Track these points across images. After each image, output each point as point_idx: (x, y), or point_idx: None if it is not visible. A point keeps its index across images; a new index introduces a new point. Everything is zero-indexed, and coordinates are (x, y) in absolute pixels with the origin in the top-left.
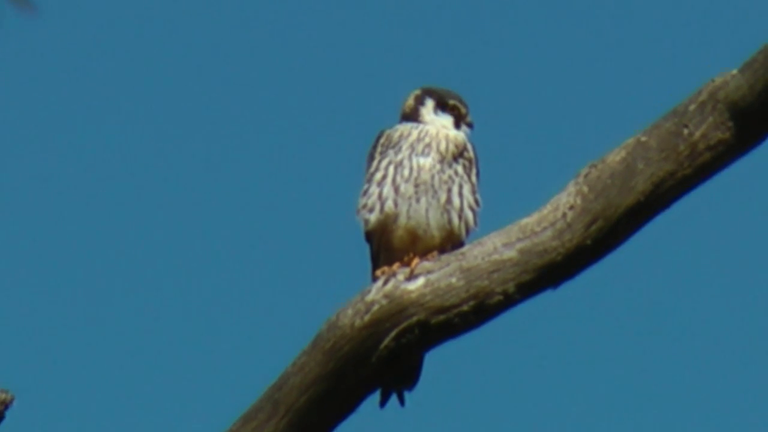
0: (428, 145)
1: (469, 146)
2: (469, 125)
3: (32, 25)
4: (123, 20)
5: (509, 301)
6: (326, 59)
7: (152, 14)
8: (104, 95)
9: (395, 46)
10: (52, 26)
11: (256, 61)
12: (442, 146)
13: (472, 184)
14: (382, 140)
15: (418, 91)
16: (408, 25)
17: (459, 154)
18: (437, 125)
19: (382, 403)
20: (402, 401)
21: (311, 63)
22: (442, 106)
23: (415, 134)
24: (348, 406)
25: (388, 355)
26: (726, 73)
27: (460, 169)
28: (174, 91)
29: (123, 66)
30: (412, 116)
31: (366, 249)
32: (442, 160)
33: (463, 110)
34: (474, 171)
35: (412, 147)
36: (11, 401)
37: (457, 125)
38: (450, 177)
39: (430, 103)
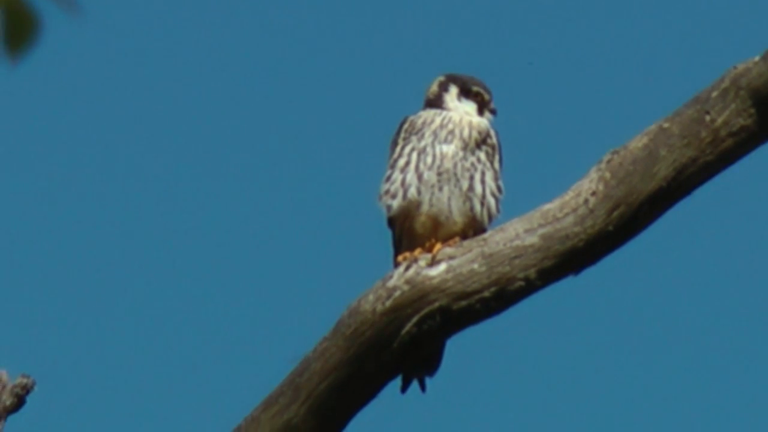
0: (451, 132)
1: (492, 133)
2: (493, 112)
3: (78, 26)
4: (164, 22)
5: (531, 287)
6: (358, 45)
7: (191, 17)
8: (142, 95)
9: (422, 34)
10: (96, 28)
11: (282, 47)
12: (465, 133)
13: (495, 171)
14: (405, 126)
15: (442, 78)
16: (434, 12)
17: (482, 141)
18: (460, 112)
19: (404, 388)
20: (423, 387)
21: (341, 49)
22: (465, 92)
23: (438, 121)
24: (369, 391)
25: (409, 341)
26: (748, 60)
27: (482, 155)
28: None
29: (161, 66)
30: (435, 102)
31: (388, 235)
32: (465, 147)
33: (486, 97)
34: (497, 158)
35: (435, 134)
36: (32, 386)
37: (481, 112)
38: (473, 164)
39: (453, 90)
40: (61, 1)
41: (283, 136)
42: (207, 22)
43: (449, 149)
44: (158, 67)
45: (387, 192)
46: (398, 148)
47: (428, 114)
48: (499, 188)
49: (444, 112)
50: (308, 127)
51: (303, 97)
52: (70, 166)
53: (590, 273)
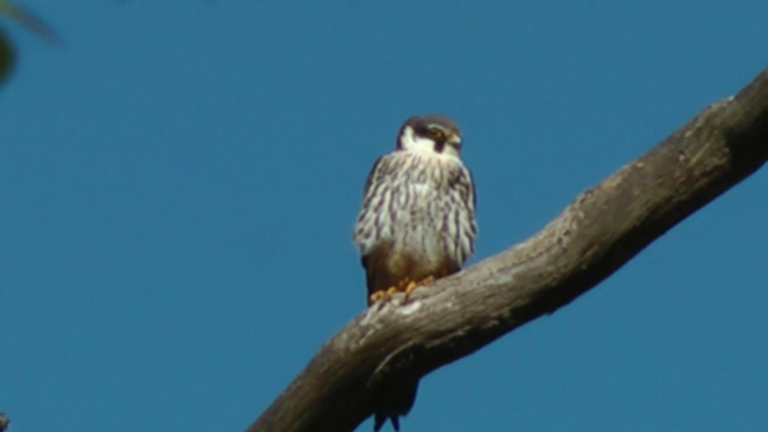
0: (423, 172)
1: (465, 172)
2: (455, 146)
3: (54, 55)
4: (142, 51)
5: (504, 326)
6: (332, 84)
7: (169, 45)
8: (122, 120)
9: (400, 69)
10: (74, 56)
11: (252, 83)
12: (437, 173)
13: (469, 210)
14: (379, 165)
15: (403, 123)
16: (414, 48)
17: (455, 180)
18: (417, 151)
19: (377, 427)
20: (396, 426)
21: (316, 86)
22: (420, 131)
23: (408, 162)
24: (342, 430)
25: (382, 380)
26: (723, 100)
27: (456, 195)
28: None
29: (141, 96)
30: (399, 146)
31: (362, 274)
32: (438, 187)
33: (446, 131)
34: (471, 197)
35: (408, 174)
36: (7, 424)
37: (439, 148)
38: (447, 204)
39: (408, 131)
40: (38, 29)
41: (261, 170)
42: (188, 48)
43: (423, 188)
44: (138, 93)
45: (360, 231)
46: (372, 188)
47: (399, 155)
48: (473, 227)
49: (413, 153)
50: (285, 167)
51: (277, 132)
52: (50, 197)
53: (564, 312)
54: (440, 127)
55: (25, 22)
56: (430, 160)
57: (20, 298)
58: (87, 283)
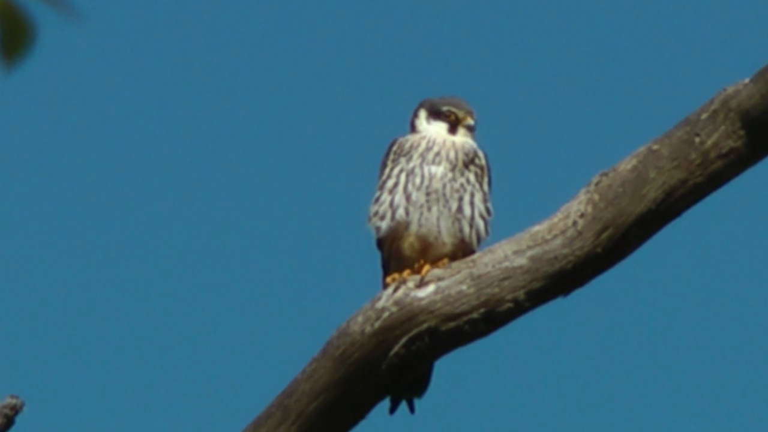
0: (438, 154)
1: (480, 154)
2: (469, 128)
3: (75, 31)
4: (162, 27)
5: (519, 308)
6: (348, 67)
7: (190, 20)
8: (142, 101)
9: (415, 53)
10: (94, 32)
11: (276, 69)
12: (451, 155)
13: (484, 193)
14: (394, 148)
15: (417, 105)
16: (429, 32)
17: (470, 161)
18: (432, 133)
19: (392, 410)
20: (412, 408)
21: (332, 70)
22: (434, 113)
23: (423, 144)
24: (358, 413)
25: (398, 363)
26: (738, 83)
27: (472, 177)
28: (212, 99)
29: (160, 72)
30: (413, 129)
31: (377, 256)
32: (453, 168)
33: (460, 114)
34: (486, 179)
35: (423, 156)
36: (21, 407)
37: (453, 130)
38: (462, 185)
39: (422, 113)
40: (58, 5)
41: (274, 153)
42: (205, 24)
43: (438, 170)
44: (156, 69)
45: (376, 213)
46: (387, 170)
47: (414, 137)
48: (488, 210)
49: (427, 135)
50: (302, 150)
51: (292, 120)
52: (68, 173)
53: (580, 294)
54: (454, 110)
55: None
56: (444, 142)
57: (35, 283)
58: (107, 260)
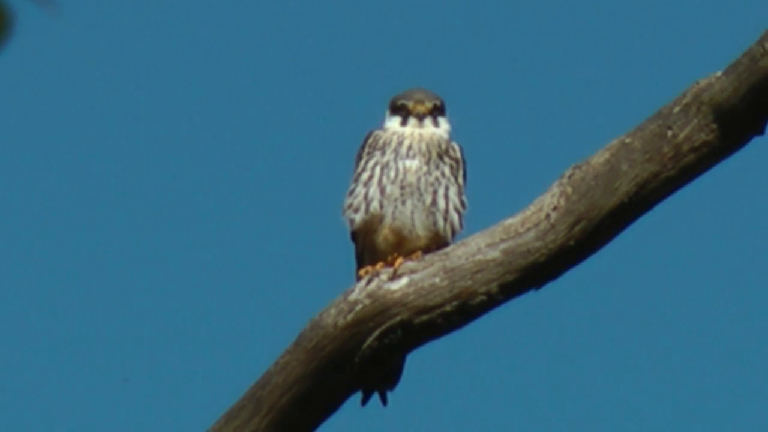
0: (410, 147)
1: (455, 147)
2: (418, 116)
3: (54, 24)
4: (141, 20)
5: (492, 301)
6: (318, 58)
7: (170, 15)
8: (120, 95)
9: (387, 44)
10: (73, 25)
11: (249, 60)
12: (423, 147)
13: (459, 186)
14: (369, 141)
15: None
16: (399, 26)
17: (444, 152)
18: (394, 128)
19: (364, 401)
20: (384, 401)
21: (305, 62)
22: (393, 108)
23: (395, 139)
24: (330, 405)
25: (371, 355)
26: (711, 76)
27: (447, 170)
28: (187, 92)
29: (139, 65)
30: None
31: (351, 248)
32: (428, 161)
33: (409, 104)
34: (461, 172)
35: (396, 151)
36: None
37: (404, 123)
38: (437, 179)
39: (387, 111)
40: None
41: (250, 144)
42: (187, 15)
43: (413, 164)
44: (136, 61)
45: (350, 206)
46: (362, 162)
47: (386, 134)
48: (462, 203)
49: (396, 131)
50: (274, 136)
51: (266, 110)
52: (44, 166)
53: (552, 287)
54: (405, 101)
55: None
56: (412, 135)
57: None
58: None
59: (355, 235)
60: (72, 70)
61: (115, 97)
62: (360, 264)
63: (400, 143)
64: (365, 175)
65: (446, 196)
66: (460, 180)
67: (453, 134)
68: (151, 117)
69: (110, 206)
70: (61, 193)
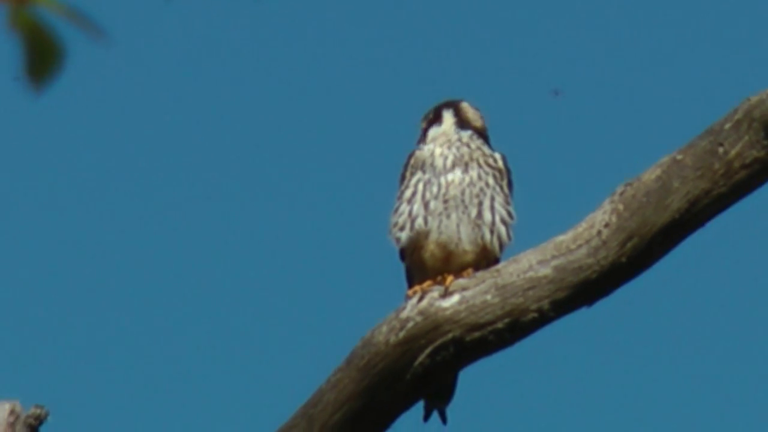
0: (447, 158)
1: (497, 156)
2: (426, 123)
3: (103, 52)
4: (189, 50)
5: (544, 318)
6: (377, 84)
7: (217, 45)
8: (170, 123)
9: (441, 61)
10: (122, 54)
11: (297, 76)
12: (454, 153)
13: (505, 195)
14: (411, 162)
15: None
16: (454, 39)
17: (472, 144)
18: (428, 143)
19: (425, 418)
20: (444, 419)
21: (356, 88)
22: (425, 123)
23: (428, 155)
24: (382, 423)
25: (422, 372)
26: (762, 92)
27: (491, 180)
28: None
29: (188, 94)
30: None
31: (401, 267)
32: (466, 167)
33: (430, 115)
34: (505, 182)
35: (433, 166)
36: (46, 417)
37: (424, 137)
38: (481, 189)
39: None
40: (85, 26)
41: (303, 167)
42: (233, 43)
43: (455, 176)
44: (182, 89)
45: (395, 224)
46: (405, 181)
47: (423, 152)
48: (509, 213)
49: (430, 147)
50: (327, 158)
51: (317, 132)
52: (96, 193)
53: (604, 304)
54: (423, 119)
55: (73, 20)
56: (442, 145)
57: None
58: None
59: (403, 253)
60: (120, 99)
61: (165, 125)
62: (410, 282)
63: (441, 155)
64: (408, 192)
65: (492, 208)
66: (506, 189)
67: (500, 146)
68: (203, 144)
69: (170, 234)
70: (118, 219)
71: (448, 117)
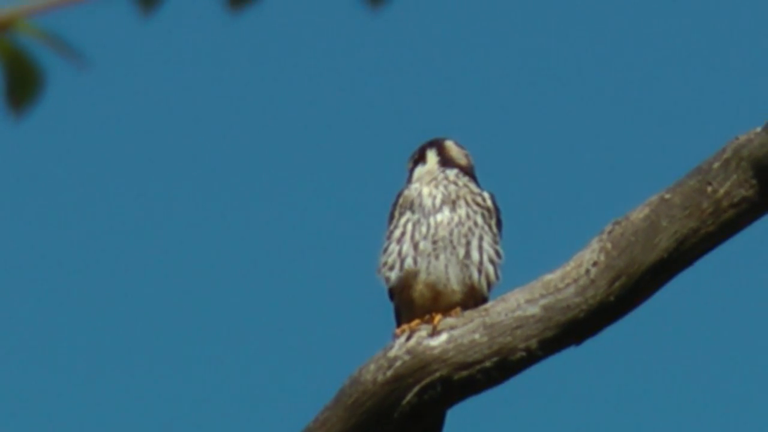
0: (435, 198)
1: (485, 195)
2: (412, 164)
3: (83, 78)
4: (168, 72)
5: (532, 357)
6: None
7: (202, 67)
8: (152, 148)
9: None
10: (102, 79)
11: (283, 103)
12: (441, 191)
13: (494, 234)
14: (400, 201)
15: None
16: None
17: (454, 179)
18: (415, 183)
19: None
20: None
21: (339, 121)
22: (411, 163)
23: (416, 195)
24: None
25: (410, 411)
26: (750, 131)
27: (479, 219)
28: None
29: (169, 118)
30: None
31: (389, 306)
32: (453, 206)
33: (409, 164)
34: (494, 221)
35: (422, 207)
36: None
37: (411, 173)
38: (470, 229)
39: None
40: (65, 52)
41: (292, 201)
42: (215, 68)
43: (443, 216)
44: (164, 116)
45: (385, 264)
46: (394, 220)
47: (411, 191)
48: (497, 253)
49: (417, 187)
50: (317, 195)
51: (308, 163)
52: (78, 217)
53: (592, 343)
54: (414, 154)
55: (53, 46)
56: (428, 183)
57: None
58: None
59: (392, 293)
60: (101, 125)
61: (146, 148)
62: (399, 321)
63: (428, 195)
64: (398, 232)
65: (480, 248)
66: (494, 228)
67: (489, 185)
68: (186, 173)
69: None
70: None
71: (431, 156)
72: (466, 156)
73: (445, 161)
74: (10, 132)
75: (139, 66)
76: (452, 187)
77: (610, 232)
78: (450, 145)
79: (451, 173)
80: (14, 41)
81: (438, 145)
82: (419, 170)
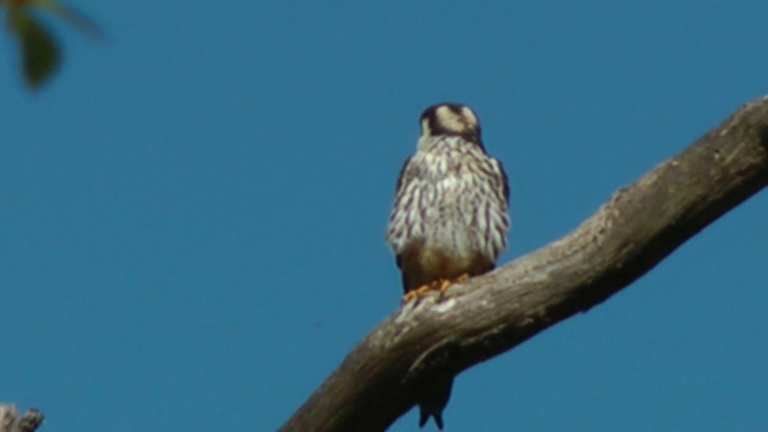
0: (439, 164)
1: (492, 162)
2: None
3: (101, 52)
4: (184, 47)
5: (539, 324)
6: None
7: (218, 43)
8: (166, 117)
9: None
10: (120, 54)
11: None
12: (444, 157)
13: (500, 201)
14: (408, 168)
15: None
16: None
17: (457, 148)
18: (421, 149)
19: (421, 423)
20: (439, 423)
21: (360, 93)
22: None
23: (422, 161)
24: (377, 428)
25: (417, 377)
26: (758, 99)
27: (486, 186)
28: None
29: (187, 93)
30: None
31: (397, 273)
32: (458, 168)
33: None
34: (501, 188)
35: (429, 172)
36: (41, 420)
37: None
38: (477, 196)
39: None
40: (83, 26)
41: (298, 170)
42: (232, 43)
43: (450, 183)
44: (182, 88)
45: (392, 231)
46: (402, 187)
47: (418, 158)
48: (504, 220)
49: (422, 154)
50: (324, 163)
51: (316, 133)
52: (94, 193)
53: (599, 310)
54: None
55: (71, 20)
56: (431, 152)
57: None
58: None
59: (399, 260)
60: (119, 98)
61: (163, 124)
62: (406, 287)
63: (426, 164)
64: (405, 199)
65: (487, 214)
66: (501, 195)
67: (496, 152)
68: (203, 147)
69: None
70: (120, 220)
71: (425, 125)
72: (462, 120)
73: (438, 130)
74: (28, 105)
75: (156, 40)
76: (455, 154)
77: (617, 199)
78: (442, 113)
79: (452, 141)
80: (32, 15)
81: (431, 114)
82: (420, 140)
